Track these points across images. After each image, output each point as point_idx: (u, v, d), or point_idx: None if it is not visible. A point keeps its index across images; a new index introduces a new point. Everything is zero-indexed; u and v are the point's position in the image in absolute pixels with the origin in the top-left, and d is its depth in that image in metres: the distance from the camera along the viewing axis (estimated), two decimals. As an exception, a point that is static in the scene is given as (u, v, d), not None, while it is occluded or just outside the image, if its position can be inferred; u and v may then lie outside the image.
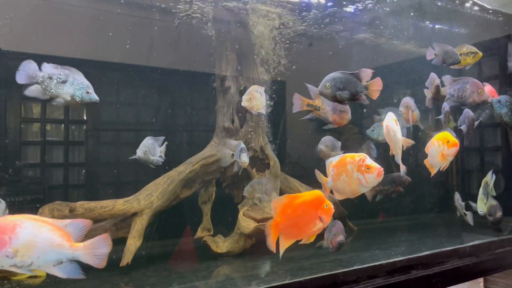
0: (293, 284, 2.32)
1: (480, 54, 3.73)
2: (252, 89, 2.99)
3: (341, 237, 2.62)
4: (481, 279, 4.41)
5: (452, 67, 3.61)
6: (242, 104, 2.97)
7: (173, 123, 4.04)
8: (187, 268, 2.93)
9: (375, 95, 2.65)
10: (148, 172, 3.97)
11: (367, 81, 2.61)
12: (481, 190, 3.85)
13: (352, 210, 4.01)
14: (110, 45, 3.57)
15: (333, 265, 2.73)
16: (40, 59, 3.29)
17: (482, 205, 3.80)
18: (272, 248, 2.22)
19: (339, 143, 3.32)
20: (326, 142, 3.24)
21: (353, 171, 2.34)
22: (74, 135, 3.79)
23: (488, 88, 3.70)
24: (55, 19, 3.37)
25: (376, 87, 2.62)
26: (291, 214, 2.20)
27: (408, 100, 3.46)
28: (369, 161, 2.33)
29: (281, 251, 2.24)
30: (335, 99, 2.62)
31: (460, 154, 5.03)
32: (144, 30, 3.63)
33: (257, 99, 2.96)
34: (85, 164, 3.73)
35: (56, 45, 3.33)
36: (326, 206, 2.20)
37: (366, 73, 2.62)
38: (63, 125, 3.73)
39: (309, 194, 2.25)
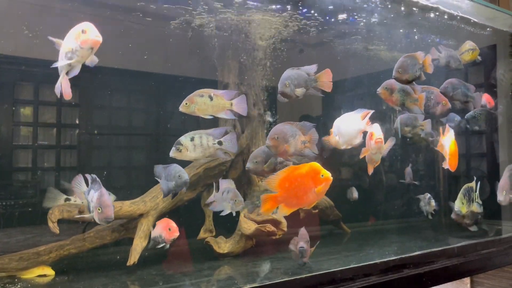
0: (293, 281, 2.44)
1: (478, 50, 4.00)
2: (194, 93, 2.78)
3: (301, 244, 2.68)
4: (468, 281, 4.58)
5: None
6: (180, 109, 2.79)
7: (174, 128, 4.16)
8: (191, 267, 3.05)
9: (328, 87, 2.76)
10: (139, 177, 4.12)
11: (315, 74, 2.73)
12: (462, 191, 3.81)
13: (345, 213, 4.18)
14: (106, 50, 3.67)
15: (331, 263, 2.87)
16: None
17: (459, 204, 3.81)
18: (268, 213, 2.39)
19: (270, 156, 2.98)
20: (256, 157, 2.94)
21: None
22: (66, 138, 3.85)
23: (486, 97, 3.97)
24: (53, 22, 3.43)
25: (325, 78, 2.74)
26: (289, 187, 2.28)
27: (391, 82, 3.28)
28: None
29: (280, 216, 2.52)
30: (292, 96, 2.70)
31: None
32: (139, 35, 3.70)
33: (199, 104, 2.77)
34: (77, 167, 3.79)
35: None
36: (322, 175, 2.27)
37: (312, 66, 2.75)
38: (55, 129, 3.79)
39: (305, 166, 2.31)
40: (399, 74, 3.07)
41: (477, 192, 3.85)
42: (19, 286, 2.53)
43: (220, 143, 2.79)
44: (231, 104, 2.85)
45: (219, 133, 2.81)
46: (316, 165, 2.30)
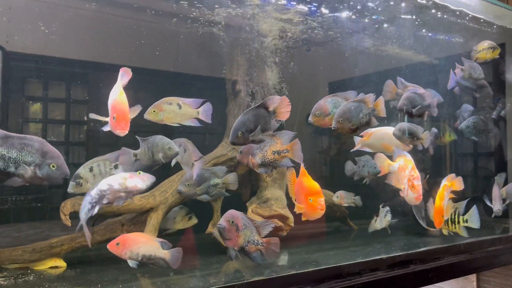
0: (300, 275, 2.49)
1: (498, 49, 3.96)
2: (162, 101, 2.75)
3: (221, 221, 2.55)
4: (474, 279, 4.59)
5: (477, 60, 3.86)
6: (144, 116, 2.72)
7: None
8: (200, 261, 3.09)
9: (285, 116, 2.68)
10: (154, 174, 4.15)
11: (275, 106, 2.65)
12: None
13: (352, 210, 4.20)
14: (112, 47, 3.71)
15: (338, 258, 2.91)
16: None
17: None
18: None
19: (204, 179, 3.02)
20: (188, 180, 2.98)
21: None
22: (75, 135, 3.91)
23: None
24: (63, 20, 3.47)
25: (283, 108, 2.67)
26: (294, 184, 2.58)
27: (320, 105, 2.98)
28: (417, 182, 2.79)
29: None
30: (247, 142, 2.65)
31: (455, 159, 5.22)
32: (148, 33, 3.76)
33: (167, 112, 2.74)
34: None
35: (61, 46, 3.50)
36: (311, 200, 2.45)
37: (273, 100, 2.64)
38: (64, 125, 3.86)
39: (308, 182, 2.50)
40: (340, 124, 2.79)
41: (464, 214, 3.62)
42: (31, 277, 2.58)
43: (116, 166, 2.69)
44: (198, 113, 2.86)
45: (115, 156, 2.71)
46: (317, 188, 2.48)
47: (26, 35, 3.32)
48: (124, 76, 2.41)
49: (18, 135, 2.12)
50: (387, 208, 3.71)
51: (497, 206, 3.93)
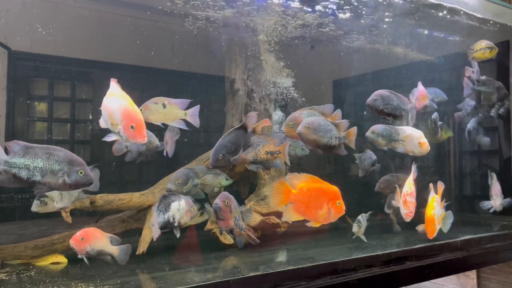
0: (297, 270, 2.51)
1: (496, 49, 3.97)
2: (150, 100, 2.78)
3: (216, 200, 2.65)
4: (474, 276, 4.60)
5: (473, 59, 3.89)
6: None
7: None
8: (198, 257, 3.14)
9: (259, 130, 2.81)
10: (150, 172, 4.20)
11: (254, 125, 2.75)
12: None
13: (350, 208, 4.21)
14: (116, 46, 3.77)
15: (335, 254, 2.94)
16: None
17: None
18: (276, 204, 2.45)
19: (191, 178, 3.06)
20: (177, 179, 3.01)
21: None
22: (80, 134, 3.98)
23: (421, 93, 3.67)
24: (66, 20, 3.54)
25: (260, 125, 2.79)
26: (305, 192, 2.39)
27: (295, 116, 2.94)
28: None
29: (284, 218, 2.52)
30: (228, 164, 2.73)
31: (459, 157, 5.23)
32: (149, 31, 3.81)
33: (152, 111, 2.76)
34: (90, 162, 3.89)
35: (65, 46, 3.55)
36: (339, 203, 2.41)
37: (250, 118, 2.74)
38: (69, 124, 3.93)
39: (328, 185, 2.44)
40: (305, 130, 2.71)
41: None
42: (33, 272, 2.63)
43: None
44: (185, 114, 2.89)
45: None
46: (337, 190, 2.43)
47: (30, 35, 3.38)
48: (114, 85, 2.40)
49: (39, 145, 2.21)
50: (364, 215, 3.50)
51: (498, 201, 3.98)
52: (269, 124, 2.87)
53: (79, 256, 2.50)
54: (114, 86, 2.37)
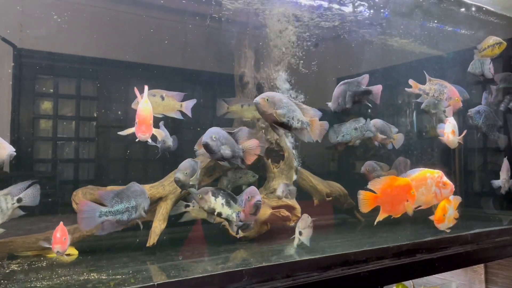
0: (309, 261, 2.52)
1: (505, 43, 3.94)
2: (148, 92, 2.75)
3: (257, 197, 2.68)
4: (482, 271, 4.59)
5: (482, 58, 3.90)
6: (132, 106, 2.83)
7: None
8: (208, 249, 3.14)
9: (251, 159, 2.99)
10: (156, 168, 4.19)
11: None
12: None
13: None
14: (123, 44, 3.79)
15: (345, 246, 2.94)
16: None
17: None
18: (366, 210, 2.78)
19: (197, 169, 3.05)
20: (186, 169, 2.96)
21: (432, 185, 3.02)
22: (85, 131, 3.97)
23: (452, 92, 3.71)
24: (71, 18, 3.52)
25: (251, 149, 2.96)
26: (390, 192, 2.79)
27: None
28: (445, 179, 3.03)
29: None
30: (220, 157, 2.84)
31: (464, 154, 5.22)
32: (156, 28, 3.81)
33: (152, 104, 2.73)
34: (95, 160, 3.91)
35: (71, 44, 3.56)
36: (413, 192, 2.80)
37: (242, 131, 2.94)
38: (74, 122, 3.92)
39: (402, 180, 2.85)
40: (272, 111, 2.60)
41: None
42: (44, 264, 2.65)
43: (19, 200, 2.51)
44: (181, 106, 3.11)
45: (19, 189, 2.54)
46: (409, 182, 2.84)
47: (38, 32, 3.39)
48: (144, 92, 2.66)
49: (121, 187, 2.64)
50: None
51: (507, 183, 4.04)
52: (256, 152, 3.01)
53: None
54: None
